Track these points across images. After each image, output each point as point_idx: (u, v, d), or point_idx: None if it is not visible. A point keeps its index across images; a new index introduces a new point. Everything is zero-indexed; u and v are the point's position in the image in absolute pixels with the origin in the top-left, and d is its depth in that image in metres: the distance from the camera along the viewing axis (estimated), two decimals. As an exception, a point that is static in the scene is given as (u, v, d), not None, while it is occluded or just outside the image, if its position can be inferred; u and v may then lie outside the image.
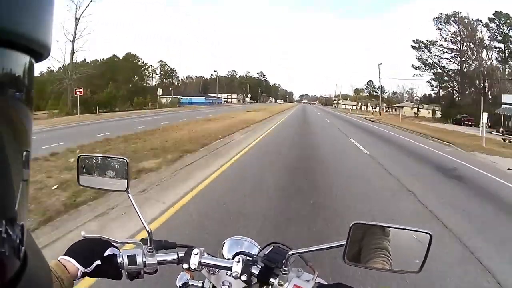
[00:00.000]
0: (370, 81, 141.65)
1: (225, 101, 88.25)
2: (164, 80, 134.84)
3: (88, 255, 0.72)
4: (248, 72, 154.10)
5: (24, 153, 0.23)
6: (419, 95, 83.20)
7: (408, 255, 0.70)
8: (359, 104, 72.35)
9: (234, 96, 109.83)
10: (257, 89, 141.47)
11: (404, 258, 0.69)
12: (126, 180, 0.84)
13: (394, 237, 0.67)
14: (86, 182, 0.87)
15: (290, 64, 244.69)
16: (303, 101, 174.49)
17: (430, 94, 58.68)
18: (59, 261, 0.68)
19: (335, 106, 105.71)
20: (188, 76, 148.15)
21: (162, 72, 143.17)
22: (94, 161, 0.89)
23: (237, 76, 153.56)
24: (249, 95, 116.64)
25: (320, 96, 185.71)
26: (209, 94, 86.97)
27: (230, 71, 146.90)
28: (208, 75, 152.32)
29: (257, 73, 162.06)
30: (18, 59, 0.21)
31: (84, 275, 0.71)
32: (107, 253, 0.75)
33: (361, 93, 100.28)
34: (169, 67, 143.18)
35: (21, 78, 0.22)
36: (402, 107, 53.58)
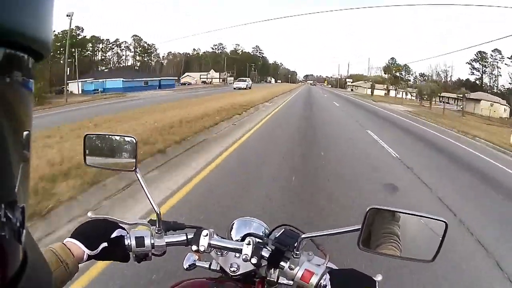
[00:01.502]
0: (392, 59, 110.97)
1: (187, 83, 73.75)
2: (138, 58, 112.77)
3: (95, 237, 0.73)
4: (238, 45, 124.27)
5: (25, 133, 0.23)
6: (453, 79, 68.35)
7: (418, 241, 0.70)
8: (387, 87, 57.42)
9: (218, 75, 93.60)
10: (250, 66, 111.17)
11: (415, 244, 0.70)
12: (134, 160, 0.85)
13: (404, 222, 0.68)
14: (93, 161, 0.87)
15: (293, 40, 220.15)
16: (308, 81, 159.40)
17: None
18: (64, 244, 0.68)
19: (351, 89, 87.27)
20: (170, 52, 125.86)
21: (139, 49, 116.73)
22: (101, 140, 0.90)
23: (227, 51, 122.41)
24: (233, 75, 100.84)
25: (327, 76, 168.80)
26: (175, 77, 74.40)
27: (216, 45, 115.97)
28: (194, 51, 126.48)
29: (252, 48, 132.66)
30: (18, 59, 0.21)
31: (90, 257, 0.71)
32: (114, 234, 0.76)
33: (388, 73, 71.39)
34: (146, 42, 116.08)
35: (20, 77, 0.22)
36: (479, 100, 40.89)
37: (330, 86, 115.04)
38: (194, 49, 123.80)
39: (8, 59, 0.20)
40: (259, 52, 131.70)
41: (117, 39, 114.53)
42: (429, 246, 0.68)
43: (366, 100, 33.87)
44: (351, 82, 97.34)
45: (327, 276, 0.71)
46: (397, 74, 68.42)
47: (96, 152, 0.88)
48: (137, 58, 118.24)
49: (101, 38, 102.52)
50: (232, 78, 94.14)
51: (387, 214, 0.68)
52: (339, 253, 2.29)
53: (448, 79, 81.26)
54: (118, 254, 0.76)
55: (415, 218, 0.67)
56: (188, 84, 63.15)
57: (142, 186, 0.83)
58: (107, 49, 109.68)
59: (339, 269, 0.74)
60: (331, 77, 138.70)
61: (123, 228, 0.79)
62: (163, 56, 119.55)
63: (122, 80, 40.03)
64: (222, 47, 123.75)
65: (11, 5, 0.19)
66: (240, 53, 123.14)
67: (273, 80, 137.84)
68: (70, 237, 0.71)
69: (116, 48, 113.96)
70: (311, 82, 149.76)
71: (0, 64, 0.20)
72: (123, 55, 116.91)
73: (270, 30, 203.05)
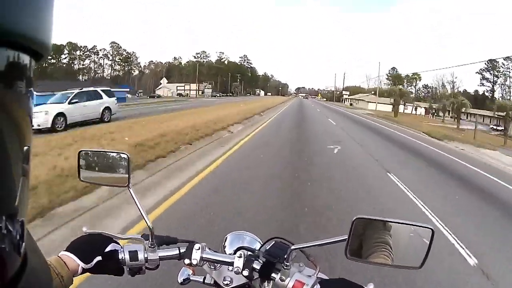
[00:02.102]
0: (393, 68, 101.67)
1: (156, 96, 64.98)
2: (116, 66, 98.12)
3: (89, 251, 0.76)
4: (223, 53, 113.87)
5: (25, 148, 0.24)
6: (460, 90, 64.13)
7: (409, 250, 0.73)
8: (396, 101, 44.61)
9: (197, 86, 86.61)
10: (235, 77, 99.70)
11: (406, 253, 0.73)
12: (127, 175, 0.87)
13: (395, 232, 0.71)
14: (87, 177, 0.90)
15: (285, 52, 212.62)
16: (300, 94, 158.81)
17: None
18: (59, 257, 0.71)
19: (350, 104, 79.20)
20: (151, 61, 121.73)
21: (119, 57, 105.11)
22: (94, 156, 0.92)
23: (212, 60, 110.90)
24: (215, 86, 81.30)
25: (319, 89, 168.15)
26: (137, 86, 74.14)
27: (199, 53, 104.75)
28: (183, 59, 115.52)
29: (240, 58, 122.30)
30: (18, 59, 0.22)
31: (84, 271, 0.74)
32: (108, 249, 0.79)
33: (395, 84, 60.00)
34: (125, 50, 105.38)
35: (20, 77, 0.22)
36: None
37: (324, 99, 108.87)
38: (175, 58, 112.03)
39: (8, 59, 0.20)
40: (247, 62, 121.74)
41: (94, 45, 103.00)
42: (417, 253, 0.72)
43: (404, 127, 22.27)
44: (348, 96, 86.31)
45: (318, 287, 0.75)
46: (400, 86, 62.25)
47: (90, 167, 0.91)
48: (116, 67, 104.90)
49: (78, 45, 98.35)
50: (210, 90, 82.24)
51: (379, 224, 0.71)
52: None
53: (455, 90, 71.88)
54: (112, 268, 0.79)
55: (405, 227, 0.71)
56: (157, 97, 56.79)
57: (135, 202, 0.85)
58: (84, 57, 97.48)
59: (329, 279, 0.78)
60: (325, 89, 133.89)
61: (117, 243, 0.82)
62: (145, 66, 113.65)
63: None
64: (206, 56, 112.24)
65: (11, 5, 0.19)
66: (226, 62, 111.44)
67: (262, 92, 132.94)
68: (65, 251, 0.74)
69: (93, 56, 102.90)
70: (304, 95, 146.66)
71: (0, 64, 0.20)
72: (102, 63, 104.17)
73: (260, 40, 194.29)
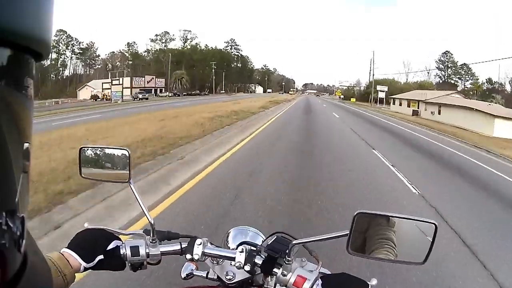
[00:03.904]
0: (446, 53, 66.90)
1: (53, 102, 48.40)
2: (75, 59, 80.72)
3: (91, 249, 0.85)
4: (189, 32, 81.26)
5: (25, 145, 0.25)
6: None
7: (413, 245, 0.79)
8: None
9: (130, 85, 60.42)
10: (211, 67, 63.35)
11: (408, 248, 0.79)
12: (128, 171, 0.96)
13: (399, 227, 0.77)
14: (88, 173, 1.00)
15: (292, 46, 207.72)
16: (307, 91, 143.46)
17: None
18: (62, 254, 0.81)
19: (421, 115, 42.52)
20: (113, 52, 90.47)
21: (69, 46, 73.82)
22: (95, 152, 1.00)
23: (177, 44, 76.97)
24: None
25: (328, 85, 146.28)
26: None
27: (158, 35, 70.59)
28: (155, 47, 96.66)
29: (225, 43, 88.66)
30: (18, 59, 0.23)
31: (86, 269, 0.84)
32: (110, 246, 0.88)
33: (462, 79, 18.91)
34: (77, 39, 74.24)
35: (20, 78, 0.24)
36: None
37: (340, 96, 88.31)
38: (128, 44, 78.25)
39: (8, 59, 0.22)
40: (235, 48, 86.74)
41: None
42: (421, 248, 0.76)
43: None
44: (387, 92, 50.75)
45: (320, 282, 0.82)
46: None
47: (91, 164, 0.99)
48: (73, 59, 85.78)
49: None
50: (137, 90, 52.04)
51: (382, 219, 0.77)
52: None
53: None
54: (114, 264, 0.89)
55: (408, 222, 0.77)
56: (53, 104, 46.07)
57: (136, 197, 0.94)
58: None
59: (331, 274, 0.86)
60: (340, 85, 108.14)
61: (119, 239, 0.92)
62: (104, 58, 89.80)
63: None
64: (169, 38, 78.26)
65: (11, 5, 0.21)
66: (203, 49, 76.42)
67: (259, 88, 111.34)
68: (67, 248, 0.83)
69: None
70: (315, 92, 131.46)
71: (0, 64, 0.21)
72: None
73: (257, 27, 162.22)
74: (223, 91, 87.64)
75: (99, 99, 54.32)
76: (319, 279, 0.81)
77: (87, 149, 0.99)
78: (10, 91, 0.23)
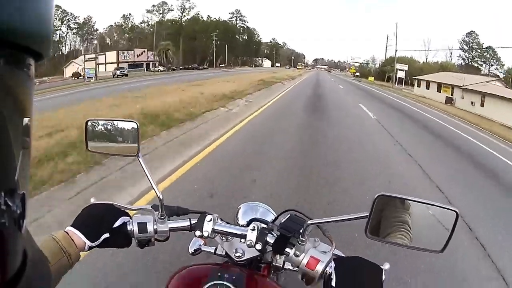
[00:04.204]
0: (471, 33, 60.35)
1: None
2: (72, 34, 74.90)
3: (96, 227, 0.83)
4: (193, 6, 76.59)
5: (25, 120, 0.25)
6: None
7: (429, 231, 0.77)
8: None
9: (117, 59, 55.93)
10: (211, 38, 57.78)
11: (426, 235, 0.77)
12: (136, 144, 0.94)
13: (415, 211, 0.75)
14: (95, 147, 0.98)
15: (303, 19, 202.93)
16: (317, 66, 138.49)
17: None
18: (66, 232, 0.80)
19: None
20: (111, 26, 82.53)
21: (64, 22, 71.28)
22: (102, 125, 0.98)
23: (175, 15, 70.62)
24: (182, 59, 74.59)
25: (339, 61, 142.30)
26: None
27: (155, 6, 64.70)
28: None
29: (230, 14, 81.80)
30: (17, 59, 0.23)
31: (91, 248, 0.83)
32: (116, 224, 0.86)
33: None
34: (72, 14, 74.69)
35: (20, 78, 0.24)
36: None
37: (357, 75, 77.90)
38: (124, 16, 72.89)
39: (8, 59, 0.21)
40: (240, 20, 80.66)
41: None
42: (439, 236, 0.74)
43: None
44: (403, 71, 45.13)
45: (333, 264, 0.80)
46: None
47: (98, 137, 0.97)
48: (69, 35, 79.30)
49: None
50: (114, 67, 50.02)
51: (397, 202, 0.75)
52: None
53: None
54: (120, 242, 0.87)
55: (425, 207, 0.74)
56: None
57: (145, 171, 0.92)
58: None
59: (345, 257, 0.84)
60: (352, 62, 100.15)
61: (126, 214, 0.91)
62: (104, 31, 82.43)
63: None
64: (168, 9, 72.17)
65: (11, 5, 0.20)
66: (205, 20, 70.66)
67: (267, 62, 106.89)
68: (71, 226, 0.82)
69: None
70: (325, 67, 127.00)
71: (0, 64, 0.21)
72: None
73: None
74: (223, 65, 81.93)
75: (81, 77, 48.39)
76: (332, 262, 0.79)
77: (94, 122, 0.97)
78: (8, 74, 0.22)
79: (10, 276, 0.24)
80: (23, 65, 0.23)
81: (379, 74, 66.07)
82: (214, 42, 79.32)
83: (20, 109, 0.24)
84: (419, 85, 42.65)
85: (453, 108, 26.68)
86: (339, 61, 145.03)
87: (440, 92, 35.57)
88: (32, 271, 0.27)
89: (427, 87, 39.34)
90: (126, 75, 47.55)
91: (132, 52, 60.79)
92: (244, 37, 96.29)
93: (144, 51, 63.10)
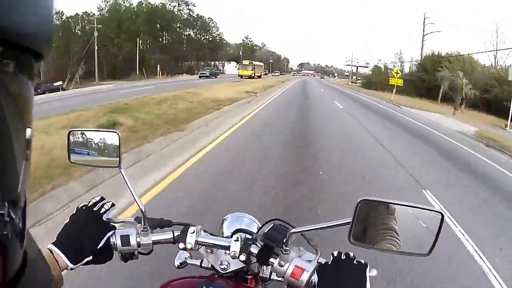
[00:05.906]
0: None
1: None
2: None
3: (80, 249, 0.81)
4: None
5: (27, 131, 0.25)
6: None
7: (414, 234, 0.77)
8: None
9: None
10: (158, 36, 14.14)
11: (412, 238, 0.77)
12: (118, 155, 0.94)
13: (401, 215, 0.75)
14: (77, 158, 0.98)
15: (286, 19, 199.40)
16: (304, 71, 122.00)
17: None
18: (50, 251, 0.79)
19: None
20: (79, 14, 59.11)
21: None
22: (84, 136, 0.98)
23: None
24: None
25: (326, 66, 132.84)
26: None
27: None
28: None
29: None
30: (17, 59, 0.23)
31: (73, 269, 0.82)
32: (100, 244, 0.85)
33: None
34: None
35: (20, 78, 0.24)
36: None
37: (359, 83, 63.76)
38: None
39: (8, 59, 0.21)
40: (185, 3, 49.33)
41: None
42: (424, 239, 0.75)
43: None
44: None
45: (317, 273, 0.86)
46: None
47: (80, 148, 0.96)
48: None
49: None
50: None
51: (382, 207, 0.75)
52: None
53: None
54: (102, 258, 0.87)
55: (409, 210, 0.74)
56: None
57: (126, 183, 0.92)
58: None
59: (328, 264, 0.82)
60: (347, 65, 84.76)
61: (111, 227, 0.88)
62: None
63: None
64: None
65: (11, 5, 0.20)
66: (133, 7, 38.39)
67: (230, 65, 76.38)
68: (54, 244, 0.80)
69: None
70: (312, 73, 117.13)
71: (0, 64, 0.21)
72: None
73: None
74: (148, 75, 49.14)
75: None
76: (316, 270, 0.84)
77: (76, 133, 0.96)
78: (10, 84, 0.22)
79: (10, 277, 0.25)
80: (23, 66, 0.23)
81: (410, 84, 37.58)
82: (139, 40, 50.21)
83: (23, 121, 0.24)
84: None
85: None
86: (326, 65, 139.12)
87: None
88: (32, 272, 0.28)
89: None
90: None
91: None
92: (190, 32, 68.28)
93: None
